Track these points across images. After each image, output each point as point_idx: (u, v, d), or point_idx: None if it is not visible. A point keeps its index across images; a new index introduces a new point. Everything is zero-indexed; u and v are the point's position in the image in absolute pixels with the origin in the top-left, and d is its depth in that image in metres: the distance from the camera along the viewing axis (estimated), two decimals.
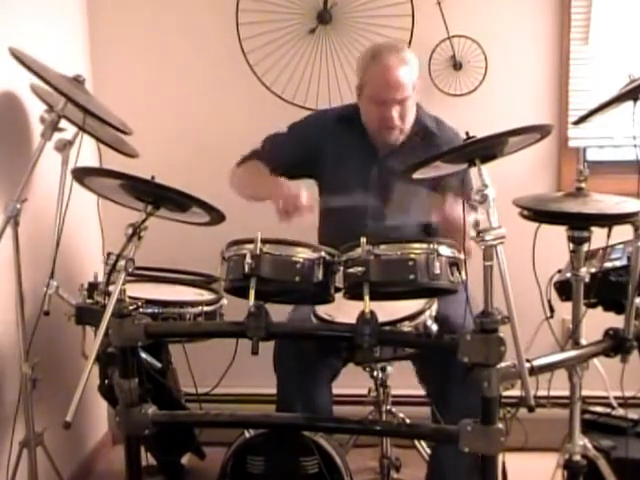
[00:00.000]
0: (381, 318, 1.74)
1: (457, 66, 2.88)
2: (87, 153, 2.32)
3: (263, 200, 2.30)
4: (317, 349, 2.18)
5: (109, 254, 2.14)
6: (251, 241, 1.77)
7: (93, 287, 2.27)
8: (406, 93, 2.34)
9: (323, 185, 2.54)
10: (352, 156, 2.47)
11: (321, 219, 2.50)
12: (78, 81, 2.28)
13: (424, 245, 1.73)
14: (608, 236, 2.06)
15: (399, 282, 1.74)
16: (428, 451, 2.56)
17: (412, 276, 1.71)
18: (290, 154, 2.48)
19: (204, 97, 3.00)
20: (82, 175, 1.87)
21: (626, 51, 2.81)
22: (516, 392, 1.70)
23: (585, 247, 2.07)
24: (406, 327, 1.91)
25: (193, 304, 2.26)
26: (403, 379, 2.42)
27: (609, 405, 2.38)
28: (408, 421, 2.45)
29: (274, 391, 2.26)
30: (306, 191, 2.18)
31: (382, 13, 2.84)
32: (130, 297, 1.88)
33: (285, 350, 2.22)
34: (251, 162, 2.53)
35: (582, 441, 2.13)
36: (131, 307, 1.86)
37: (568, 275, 2.12)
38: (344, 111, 2.56)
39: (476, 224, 1.65)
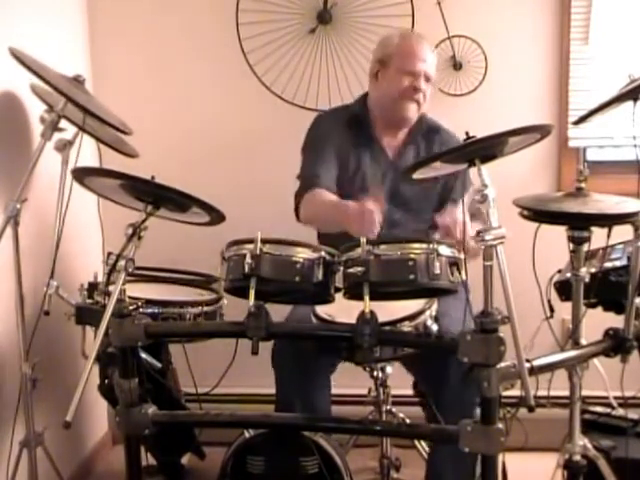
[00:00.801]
0: (381, 318, 1.74)
1: (457, 66, 2.88)
2: (87, 153, 2.32)
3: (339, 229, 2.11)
4: (316, 349, 2.18)
5: (109, 254, 2.13)
6: (251, 241, 1.77)
7: (93, 287, 2.27)
8: (431, 71, 2.42)
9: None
10: (363, 159, 2.45)
11: None
12: (78, 81, 2.28)
13: (424, 245, 1.72)
14: (608, 236, 2.06)
15: (399, 282, 1.73)
16: (428, 451, 2.56)
17: (412, 276, 1.70)
18: (329, 164, 2.40)
19: (204, 97, 3.00)
20: (82, 175, 1.87)
21: (626, 51, 2.81)
22: (516, 392, 1.70)
23: (585, 247, 2.07)
24: (406, 327, 1.90)
25: (193, 304, 2.26)
26: (403, 379, 2.42)
27: (609, 405, 2.38)
28: (408, 421, 2.45)
29: (274, 391, 2.25)
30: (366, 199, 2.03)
31: (382, 13, 2.84)
32: (130, 297, 1.88)
33: (284, 350, 2.22)
34: (306, 195, 2.37)
35: (582, 441, 2.13)
36: (131, 307, 1.86)
37: (568, 275, 2.12)
38: (351, 110, 2.53)
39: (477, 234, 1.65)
